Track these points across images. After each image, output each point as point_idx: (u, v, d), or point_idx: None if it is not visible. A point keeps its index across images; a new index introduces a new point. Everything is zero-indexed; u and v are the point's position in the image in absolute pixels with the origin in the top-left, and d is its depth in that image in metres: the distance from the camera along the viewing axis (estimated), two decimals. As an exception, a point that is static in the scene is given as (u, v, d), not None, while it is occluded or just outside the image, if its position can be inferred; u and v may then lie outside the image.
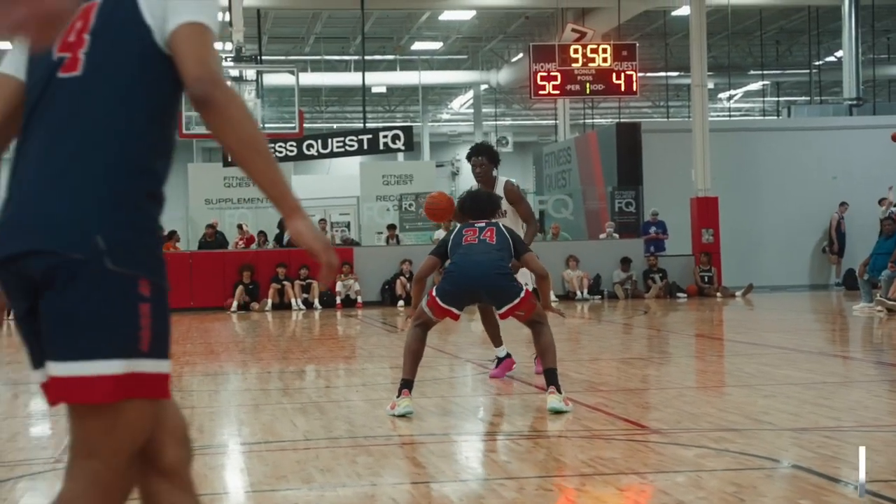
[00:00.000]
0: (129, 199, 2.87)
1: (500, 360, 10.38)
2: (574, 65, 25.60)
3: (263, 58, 27.24)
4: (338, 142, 25.36)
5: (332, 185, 38.34)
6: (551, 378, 8.18)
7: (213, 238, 26.32)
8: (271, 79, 28.62)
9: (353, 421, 8.21)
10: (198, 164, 40.40)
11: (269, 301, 23.44)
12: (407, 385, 8.17)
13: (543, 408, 8.34)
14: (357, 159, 33.06)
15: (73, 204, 2.81)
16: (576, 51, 25.74)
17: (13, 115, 3.04)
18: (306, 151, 25.19)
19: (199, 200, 30.60)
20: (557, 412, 7.96)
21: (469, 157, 10.38)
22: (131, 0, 2.94)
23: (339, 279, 23.64)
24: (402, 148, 25.66)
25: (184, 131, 24.20)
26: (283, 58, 34.64)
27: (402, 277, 23.79)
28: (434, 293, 8.36)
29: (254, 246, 26.28)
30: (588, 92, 26.37)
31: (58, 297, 2.78)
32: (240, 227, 27.04)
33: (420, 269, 8.76)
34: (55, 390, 2.85)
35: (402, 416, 7.92)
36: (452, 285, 8.38)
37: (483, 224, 8.65)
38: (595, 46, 25.69)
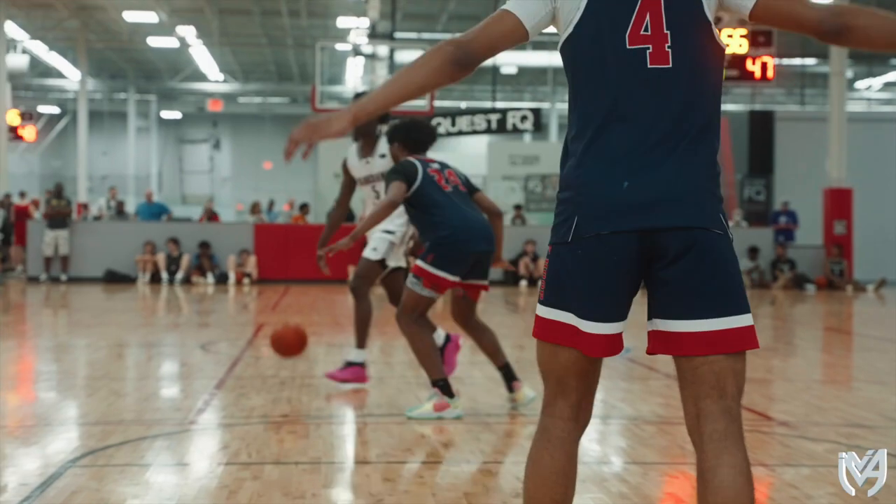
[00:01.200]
0: (719, 177, 3.29)
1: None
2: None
3: (396, 35, 27.38)
4: (466, 121, 25.42)
5: (458, 163, 38.05)
6: (512, 372, 7.64)
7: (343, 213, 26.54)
8: (403, 56, 28.77)
9: (477, 398, 8.26)
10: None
11: (393, 276, 23.62)
12: (448, 385, 7.27)
13: (666, 392, 8.30)
14: (484, 138, 33.11)
15: (702, 186, 3.19)
16: (709, 35, 25.39)
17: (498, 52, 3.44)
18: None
19: (329, 175, 30.95)
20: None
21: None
22: None
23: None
24: (531, 129, 25.65)
25: (317, 106, 24.55)
26: (415, 36, 34.75)
27: (525, 258, 23.78)
28: (432, 268, 7.10)
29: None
30: (723, 78, 26.00)
31: (699, 265, 3.16)
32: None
33: (393, 196, 7.10)
34: (710, 342, 3.16)
35: (453, 419, 7.14)
36: (463, 251, 7.14)
37: (437, 164, 7.42)
38: (731, 32, 25.32)
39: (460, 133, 25.97)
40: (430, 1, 33.99)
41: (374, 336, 13.45)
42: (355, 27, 33.42)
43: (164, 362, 11.29)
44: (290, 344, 8.21)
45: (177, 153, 52.95)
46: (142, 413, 7.49)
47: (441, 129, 25.29)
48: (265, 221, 27.68)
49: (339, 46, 32.91)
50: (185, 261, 23.36)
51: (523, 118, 24.99)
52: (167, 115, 51.90)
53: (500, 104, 27.83)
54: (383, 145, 8.13)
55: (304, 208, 27.26)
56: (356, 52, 26.14)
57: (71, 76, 43.31)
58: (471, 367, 10.61)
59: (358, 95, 8.27)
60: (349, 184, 8.69)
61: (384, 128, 8.20)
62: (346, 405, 8.20)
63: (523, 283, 23.22)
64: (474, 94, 47.15)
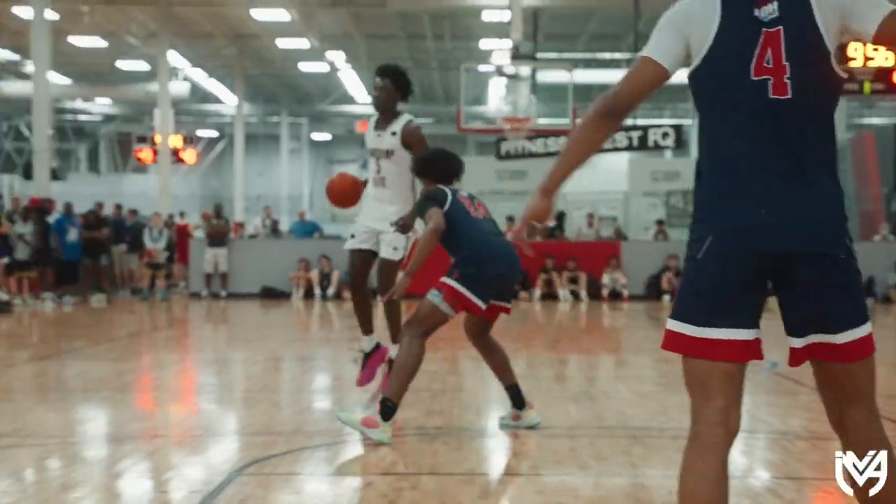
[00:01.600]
0: (843, 200, 3.41)
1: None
2: (853, 63, 24.70)
3: (538, 55, 27.39)
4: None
5: (599, 179, 38.23)
6: (520, 393, 7.35)
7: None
8: (545, 76, 28.76)
9: (624, 412, 8.21)
10: (472, 158, 41.01)
11: (538, 291, 23.58)
12: (394, 411, 6.78)
13: (816, 407, 8.11)
14: (625, 155, 32.87)
15: (828, 211, 3.33)
16: (855, 49, 24.81)
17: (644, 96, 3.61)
18: (577, 147, 25.19)
19: (474, 192, 31.05)
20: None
21: (377, 74, 8.07)
22: (813, 28, 3.35)
23: (605, 272, 23.55)
24: (672, 145, 25.38)
25: (462, 125, 24.68)
26: (556, 56, 34.70)
27: (668, 273, 23.53)
28: (457, 284, 6.83)
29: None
30: (868, 92, 25.40)
31: (827, 289, 3.34)
32: (510, 218, 27.26)
33: (438, 221, 6.89)
34: (844, 352, 3.41)
35: (378, 443, 6.67)
36: (490, 273, 6.87)
37: (466, 193, 7.27)
38: (876, 46, 24.68)
39: (602, 150, 25.79)
40: (570, 22, 33.92)
41: (521, 350, 13.46)
42: (498, 49, 33.51)
43: (319, 375, 11.45)
44: (341, 191, 7.88)
45: (327, 173, 53.67)
46: (301, 424, 7.61)
47: (582, 146, 25.16)
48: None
49: (482, 68, 33.05)
50: (336, 277, 23.66)
51: (664, 135, 24.74)
52: (318, 136, 52.72)
53: (640, 121, 27.56)
54: (397, 124, 7.81)
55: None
56: (499, 72, 26.20)
57: (228, 101, 44.29)
58: (616, 381, 10.57)
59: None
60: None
61: (404, 107, 8.04)
62: (493, 419, 8.21)
63: (666, 297, 22.98)
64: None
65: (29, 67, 29.88)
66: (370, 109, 44.06)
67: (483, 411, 8.48)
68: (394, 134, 7.78)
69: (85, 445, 7.06)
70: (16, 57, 36.59)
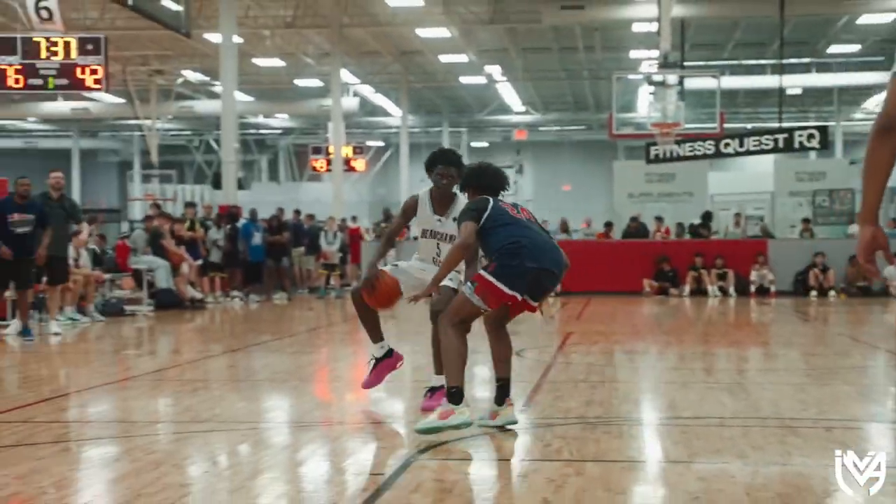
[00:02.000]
0: None
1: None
2: None
3: (686, 63, 26.97)
4: (754, 141, 24.74)
5: (746, 181, 37.55)
6: (509, 388, 6.91)
7: (637, 229, 26.37)
8: (692, 83, 28.33)
9: (778, 403, 8.01)
10: (622, 162, 40.68)
11: (687, 287, 23.22)
12: (462, 393, 6.52)
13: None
14: (770, 157, 32.13)
15: None
16: None
17: None
18: (723, 150, 24.79)
19: (623, 195, 30.84)
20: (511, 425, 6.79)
21: (436, 163, 7.48)
22: None
23: (753, 269, 23.05)
24: (817, 146, 24.70)
25: (613, 132, 24.49)
26: (703, 63, 34.17)
27: (814, 269, 22.91)
28: (490, 277, 6.48)
29: (672, 236, 26.12)
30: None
31: None
32: (658, 218, 26.97)
33: (465, 237, 6.57)
34: None
35: (458, 428, 6.44)
36: (528, 266, 6.49)
37: (510, 203, 6.90)
38: None
39: (748, 153, 25.29)
40: (716, 30, 33.35)
41: (672, 344, 13.26)
42: (647, 58, 33.17)
43: (482, 368, 11.45)
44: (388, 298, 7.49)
45: (485, 178, 53.83)
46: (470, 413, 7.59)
47: (729, 150, 24.75)
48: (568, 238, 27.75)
49: (632, 76, 32.74)
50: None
51: (810, 136, 24.08)
52: (476, 144, 52.89)
53: (786, 124, 26.92)
54: (455, 209, 7.31)
55: (608, 226, 27.15)
56: (648, 80, 25.92)
57: (394, 114, 44.78)
58: (767, 373, 10.33)
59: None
60: (405, 223, 7.92)
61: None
62: (654, 409, 8.10)
63: (813, 293, 22.39)
64: (759, 115, 45.94)
65: (218, 87, 30.74)
66: (526, 118, 44.36)
67: (640, 402, 8.38)
68: (454, 220, 7.18)
69: (272, 431, 7.19)
70: (206, 78, 37.65)
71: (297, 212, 26.66)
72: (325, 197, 37.03)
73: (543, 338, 14.25)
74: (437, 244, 7.48)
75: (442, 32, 31.20)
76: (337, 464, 6.01)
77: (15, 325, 13.72)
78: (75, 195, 48.56)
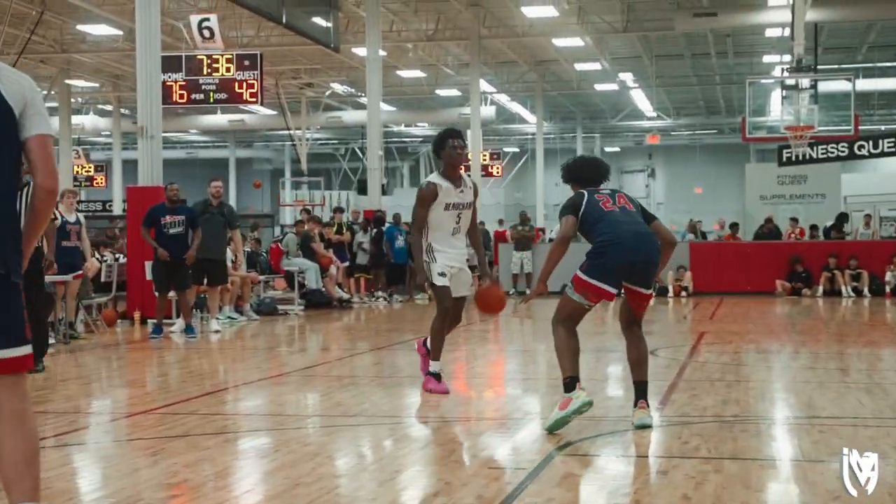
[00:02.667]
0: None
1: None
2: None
3: (819, 67, 26.25)
4: (888, 142, 23.99)
5: (880, 182, 36.39)
6: (644, 391, 6.76)
7: (770, 230, 25.79)
8: (826, 86, 27.52)
9: (914, 403, 7.73)
10: (754, 165, 39.88)
11: (821, 288, 22.59)
12: (575, 381, 6.47)
13: None
14: (904, 158, 31.13)
15: None
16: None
17: None
18: (857, 152, 24.11)
19: (755, 197, 30.20)
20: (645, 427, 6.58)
21: (447, 139, 8.28)
22: None
23: (888, 269, 22.31)
24: (953, 148, 23.81)
25: (747, 135, 23.98)
26: (836, 66, 33.22)
27: (949, 269, 22.05)
28: (584, 275, 6.52)
29: (805, 237, 25.46)
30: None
31: None
32: (794, 220, 26.32)
33: (565, 231, 6.67)
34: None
35: (580, 411, 6.41)
36: (614, 261, 6.47)
37: (608, 190, 6.87)
38: None
39: (882, 154, 24.57)
40: (851, 34, 32.45)
41: (807, 343, 12.92)
42: (779, 62, 32.43)
43: (618, 366, 11.32)
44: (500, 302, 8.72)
45: (617, 182, 53.37)
46: (607, 411, 7.50)
47: (864, 151, 24.06)
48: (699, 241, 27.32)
49: (765, 80, 32.03)
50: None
51: (945, 138, 23.28)
52: (609, 149, 52.50)
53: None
54: (468, 179, 8.39)
55: (734, 227, 26.63)
56: (781, 84, 25.26)
57: (529, 120, 44.68)
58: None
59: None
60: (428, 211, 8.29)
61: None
62: (791, 408, 7.89)
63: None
64: (894, 117, 44.63)
65: (363, 98, 31.12)
66: (658, 123, 43.77)
67: (776, 401, 8.18)
68: (470, 188, 8.32)
69: (416, 427, 7.24)
70: (352, 90, 38.19)
71: (439, 215, 26.74)
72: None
73: (677, 337, 14.05)
74: (458, 214, 8.25)
75: (576, 42, 31.07)
76: (480, 458, 6.01)
77: (179, 323, 14.10)
78: (231, 202, 49.78)
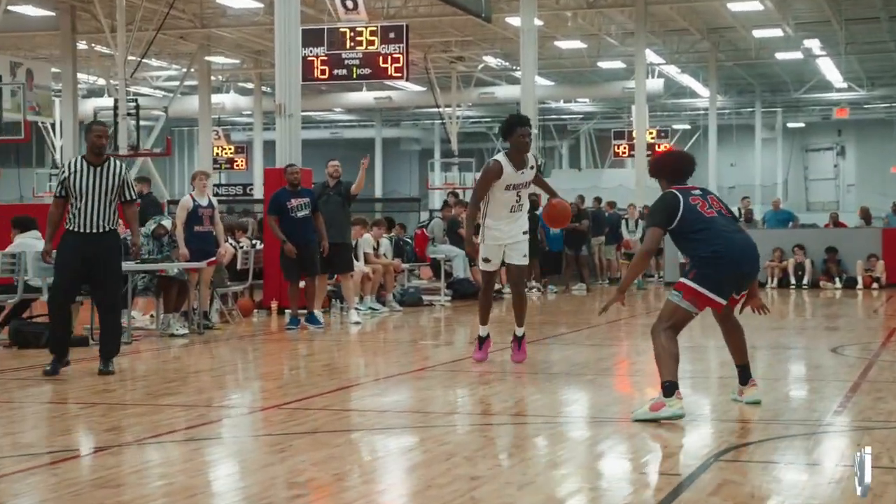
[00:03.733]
0: None
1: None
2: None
3: None
4: None
5: None
6: (748, 372, 7.49)
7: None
8: None
9: None
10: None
11: None
12: (674, 387, 6.75)
13: None
14: None
15: None
16: None
17: None
18: None
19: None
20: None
21: (517, 126, 9.53)
22: None
23: None
24: None
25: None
26: None
27: None
28: (693, 284, 6.88)
29: None
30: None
31: None
32: None
33: (651, 245, 7.22)
34: None
35: (670, 418, 6.69)
36: (726, 273, 6.97)
37: (699, 191, 7.24)
38: None
39: None
40: None
41: None
42: None
43: (795, 364, 11.08)
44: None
45: (801, 162, 52.19)
46: (778, 413, 7.37)
47: None
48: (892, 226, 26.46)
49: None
50: (810, 265, 22.85)
51: None
52: (792, 125, 51.32)
53: None
54: (530, 160, 9.60)
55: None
56: None
57: (702, 94, 43.98)
58: None
59: None
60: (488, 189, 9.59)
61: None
62: None
63: None
64: None
65: (518, 73, 31.11)
66: (848, 95, 42.90)
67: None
68: (531, 168, 9.63)
69: (566, 426, 7.21)
70: (506, 63, 38.19)
71: (598, 199, 26.64)
72: (627, 183, 36.86)
73: (865, 334, 13.67)
74: (518, 193, 9.53)
75: (755, 5, 30.46)
76: (633, 461, 5.95)
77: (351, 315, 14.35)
78: (377, 184, 50.53)
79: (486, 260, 9.72)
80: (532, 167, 9.62)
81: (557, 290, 21.68)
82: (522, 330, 9.91)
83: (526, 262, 9.92)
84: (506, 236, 9.62)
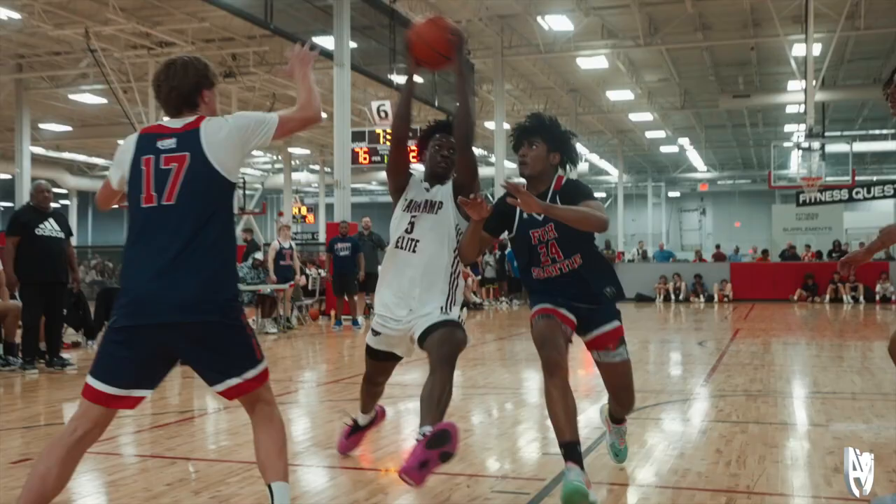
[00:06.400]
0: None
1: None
2: None
3: (826, 134, 25.23)
4: (878, 189, 22.92)
5: (872, 218, 34.68)
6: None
7: (791, 254, 24.86)
8: (832, 147, 26.36)
9: (898, 384, 7.33)
10: (778, 205, 38.41)
11: (827, 296, 21.61)
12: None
13: None
14: (891, 200, 29.58)
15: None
16: None
17: None
18: (855, 196, 23.08)
19: (779, 229, 29.20)
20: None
21: (443, 130, 4.15)
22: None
23: (878, 283, 21.25)
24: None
25: (772, 184, 23.05)
26: (839, 133, 31.87)
27: (929, 283, 20.82)
28: None
29: (816, 259, 24.45)
30: None
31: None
32: (808, 246, 25.32)
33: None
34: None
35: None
36: None
37: None
38: None
39: (874, 198, 23.46)
40: (850, 109, 31.18)
41: (816, 337, 12.36)
42: (797, 130, 31.32)
43: (674, 353, 11.08)
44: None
45: (678, 218, 52.17)
46: (664, 386, 7.38)
47: (859, 196, 23.05)
48: (737, 261, 26.53)
49: (786, 144, 31.03)
50: (684, 286, 22.84)
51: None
52: (672, 194, 51.33)
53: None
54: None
55: (764, 253, 25.76)
56: (798, 147, 24.31)
57: (613, 173, 44.07)
58: (887, 360, 9.43)
59: None
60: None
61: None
62: (801, 385, 7.59)
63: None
64: (882, 170, 42.65)
65: (492, 158, 31.06)
66: (707, 175, 42.47)
67: (791, 380, 7.87)
68: (447, 188, 4.12)
69: (528, 395, 7.20)
70: (485, 153, 38.20)
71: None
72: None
73: (720, 332, 13.65)
74: (411, 219, 4.04)
75: (647, 116, 30.72)
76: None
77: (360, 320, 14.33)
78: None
79: (375, 332, 4.17)
80: (445, 184, 4.08)
81: (520, 304, 21.60)
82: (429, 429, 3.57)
83: (452, 332, 3.89)
84: (395, 308, 4.01)
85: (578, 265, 3.80)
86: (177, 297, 2.79)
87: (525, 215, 3.76)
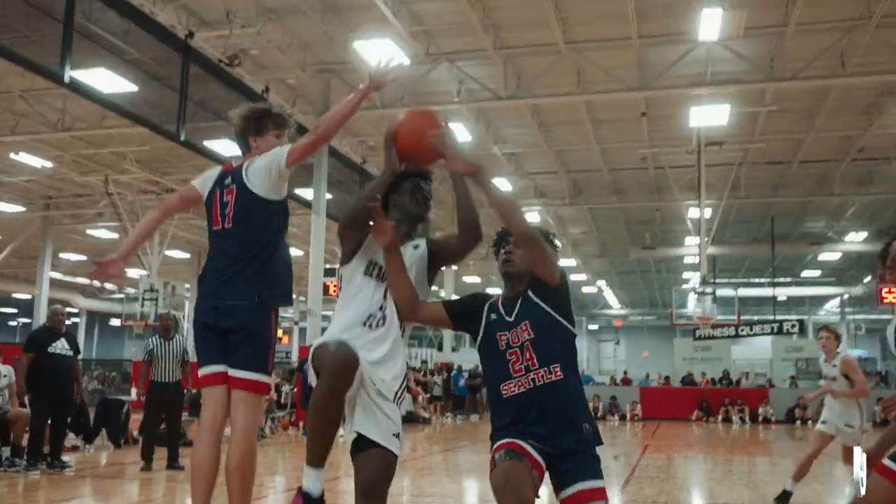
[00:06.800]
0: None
1: None
2: None
3: (716, 281, 26.11)
4: (758, 327, 23.51)
5: (755, 351, 35.18)
6: None
7: (689, 380, 25.09)
8: (721, 292, 27.21)
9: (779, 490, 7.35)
10: (679, 339, 38.98)
11: (720, 417, 21.69)
12: None
13: None
14: (769, 337, 30.22)
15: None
16: None
17: None
18: (740, 333, 23.64)
19: (680, 359, 29.51)
20: None
21: (422, 177, 2.98)
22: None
23: (760, 406, 21.47)
24: (797, 332, 23.25)
25: (673, 321, 23.51)
26: (727, 281, 32.98)
27: (798, 408, 21.11)
28: None
29: (710, 385, 24.72)
30: None
31: None
32: (703, 374, 25.59)
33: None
34: None
35: None
36: None
37: None
38: None
39: (755, 335, 24.14)
40: (735, 262, 32.40)
41: (711, 453, 12.33)
42: (693, 277, 32.33)
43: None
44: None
45: (596, 348, 52.60)
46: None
47: (744, 333, 23.68)
48: (648, 385, 26.69)
49: (685, 287, 31.92)
50: (601, 406, 22.77)
51: (793, 325, 22.92)
52: (591, 327, 51.92)
53: (778, 317, 25.64)
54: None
55: (667, 379, 25.98)
56: (694, 291, 25.07)
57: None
58: (771, 474, 9.51)
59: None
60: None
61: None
62: (699, 496, 7.53)
63: (798, 422, 20.65)
64: (762, 311, 43.87)
65: (441, 292, 31.21)
66: (621, 312, 43.07)
67: (691, 491, 7.79)
68: (419, 248, 3.09)
69: (467, 500, 6.99)
70: (436, 288, 38.37)
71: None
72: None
73: (632, 448, 13.58)
74: (381, 279, 2.85)
75: (572, 262, 31.37)
76: None
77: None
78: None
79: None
80: (419, 247, 2.92)
81: (462, 419, 21.24)
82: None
83: (390, 464, 2.71)
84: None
85: (557, 379, 2.60)
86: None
87: (493, 316, 2.75)
